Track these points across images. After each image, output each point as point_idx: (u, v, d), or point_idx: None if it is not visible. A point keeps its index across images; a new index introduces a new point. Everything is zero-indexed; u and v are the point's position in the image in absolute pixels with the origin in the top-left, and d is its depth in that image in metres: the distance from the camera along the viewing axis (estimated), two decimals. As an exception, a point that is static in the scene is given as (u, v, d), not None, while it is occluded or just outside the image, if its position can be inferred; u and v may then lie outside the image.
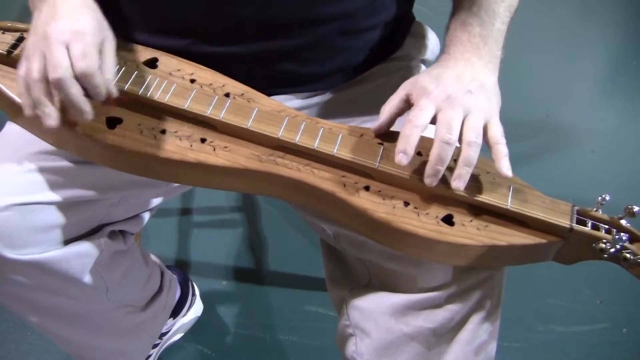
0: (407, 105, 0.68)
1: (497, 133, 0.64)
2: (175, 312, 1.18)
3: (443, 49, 0.73)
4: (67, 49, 0.62)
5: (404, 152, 0.62)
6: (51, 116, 0.62)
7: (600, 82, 2.01)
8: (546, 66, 1.98)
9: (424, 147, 0.68)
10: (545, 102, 1.86)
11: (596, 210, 0.66)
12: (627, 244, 0.63)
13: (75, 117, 0.64)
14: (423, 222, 0.64)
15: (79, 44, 0.62)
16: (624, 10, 2.31)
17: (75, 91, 0.62)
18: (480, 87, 0.66)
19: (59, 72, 0.61)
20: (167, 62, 0.74)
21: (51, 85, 0.62)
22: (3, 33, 0.74)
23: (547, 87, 1.92)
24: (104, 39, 0.66)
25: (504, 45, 0.73)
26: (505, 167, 0.63)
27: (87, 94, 0.64)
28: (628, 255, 0.62)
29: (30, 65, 0.63)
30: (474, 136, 0.63)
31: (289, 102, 0.80)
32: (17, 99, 0.69)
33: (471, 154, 0.62)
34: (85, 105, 0.63)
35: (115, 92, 0.66)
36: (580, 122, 1.79)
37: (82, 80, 0.62)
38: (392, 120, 0.69)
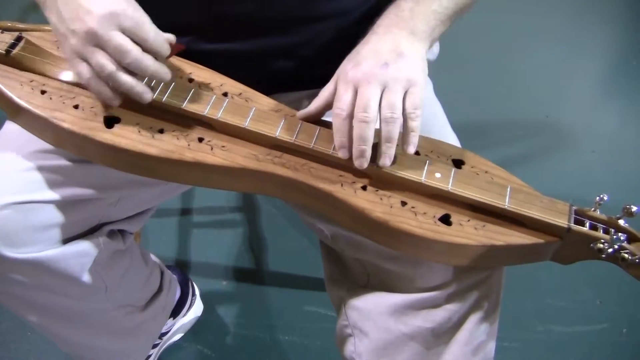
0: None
1: (410, 104, 0.63)
2: (175, 312, 1.18)
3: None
4: (120, 31, 0.62)
5: (342, 146, 0.64)
6: (146, 91, 0.66)
7: (600, 82, 2.01)
8: (546, 66, 1.97)
9: (422, 147, 0.68)
10: (545, 102, 1.85)
11: (594, 210, 0.66)
12: (625, 244, 0.63)
13: (158, 83, 0.68)
14: (420, 221, 0.64)
15: (127, 21, 0.63)
16: (624, 10, 2.31)
17: (151, 62, 0.64)
18: (398, 56, 0.64)
19: (131, 54, 0.62)
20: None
21: (129, 69, 0.63)
22: (2, 32, 0.74)
23: (547, 87, 1.91)
24: (135, 4, 0.66)
25: (438, 30, 0.70)
26: (408, 143, 0.64)
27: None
28: (626, 255, 0.62)
29: (97, 61, 0.63)
30: (389, 112, 0.62)
31: (287, 100, 0.80)
32: (17, 99, 0.69)
33: (390, 129, 0.62)
34: (163, 68, 0.65)
35: (173, 38, 0.67)
36: (580, 122, 1.79)
37: (149, 49, 0.64)
38: (322, 111, 0.69)
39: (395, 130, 0.63)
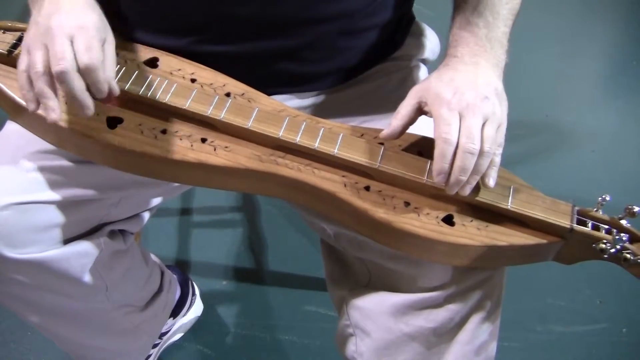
0: (420, 112, 0.67)
1: (499, 140, 0.65)
2: (175, 312, 1.18)
3: (448, 49, 0.73)
4: (71, 42, 0.62)
5: (442, 171, 0.63)
6: (54, 110, 0.62)
7: (600, 82, 2.01)
8: (546, 66, 1.98)
9: (424, 147, 0.68)
10: (545, 102, 1.85)
11: (596, 211, 0.66)
12: (627, 244, 0.63)
13: (77, 112, 0.64)
14: (423, 222, 0.64)
15: (83, 38, 0.62)
16: (624, 10, 2.31)
17: (79, 85, 0.62)
18: (494, 92, 0.66)
19: (63, 64, 0.60)
20: (168, 61, 0.74)
21: (55, 78, 0.61)
22: (3, 33, 0.74)
23: (547, 87, 1.92)
24: (106, 37, 0.66)
25: (508, 50, 0.73)
26: (489, 176, 0.65)
27: (89, 90, 0.63)
28: (628, 255, 0.62)
29: (33, 58, 0.62)
30: (488, 146, 0.63)
31: (289, 101, 0.80)
32: (18, 99, 0.69)
33: (483, 163, 0.63)
34: (88, 100, 0.63)
35: (117, 90, 0.65)
36: (580, 122, 1.79)
37: (85, 74, 0.62)
38: (404, 130, 0.68)
39: (487, 164, 0.64)
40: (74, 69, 0.61)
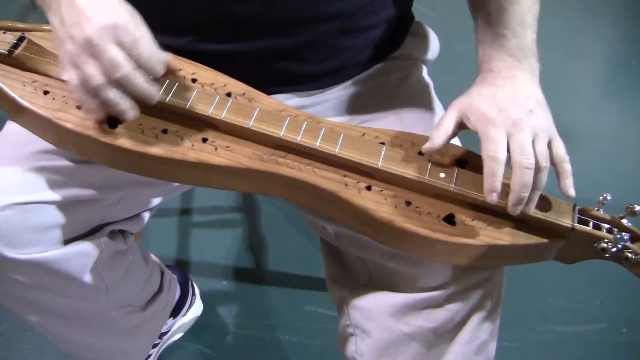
0: (461, 127, 0.68)
1: (561, 151, 0.65)
2: (175, 312, 1.18)
3: (481, 64, 0.73)
4: (116, 43, 0.61)
5: (494, 190, 0.62)
6: (132, 109, 0.63)
7: (600, 82, 2.02)
8: (546, 66, 1.97)
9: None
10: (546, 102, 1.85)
11: (597, 210, 0.66)
12: (628, 244, 0.63)
13: (145, 103, 0.64)
14: (425, 221, 0.64)
15: (124, 35, 0.61)
16: (624, 11, 2.31)
17: (141, 80, 0.62)
18: (537, 104, 0.67)
19: (123, 69, 0.60)
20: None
21: (118, 83, 0.61)
22: (4, 33, 0.74)
23: (546, 87, 1.90)
24: (137, 19, 0.64)
25: (539, 56, 0.73)
26: (569, 186, 0.65)
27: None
28: (629, 254, 0.62)
29: (87, 73, 0.61)
30: (544, 161, 0.63)
31: (290, 101, 0.80)
32: (18, 99, 0.69)
33: (542, 178, 0.63)
34: (153, 89, 0.63)
35: (168, 59, 0.65)
36: (580, 122, 1.79)
37: (143, 67, 0.62)
38: (446, 143, 0.68)
39: (545, 178, 0.63)
40: (133, 69, 0.61)
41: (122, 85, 0.61)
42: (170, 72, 0.69)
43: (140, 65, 0.62)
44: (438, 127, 0.67)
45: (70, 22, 0.62)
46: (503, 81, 0.69)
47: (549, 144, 0.65)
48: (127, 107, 0.63)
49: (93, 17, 0.61)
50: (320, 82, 0.82)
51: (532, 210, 0.64)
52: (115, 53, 0.60)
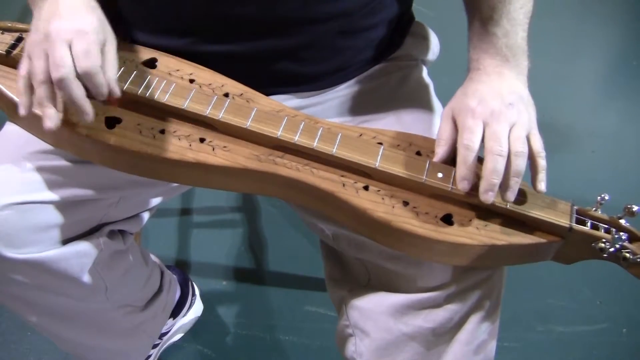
0: (456, 127, 0.68)
1: (538, 145, 0.66)
2: (175, 312, 1.18)
3: (470, 63, 0.73)
4: (70, 47, 0.62)
5: (465, 178, 0.63)
6: (51, 118, 0.62)
7: (600, 82, 2.01)
8: (546, 66, 1.97)
9: (423, 147, 0.68)
10: (545, 102, 1.85)
11: (595, 210, 0.66)
12: (626, 244, 0.63)
13: (77, 118, 0.64)
14: (422, 221, 0.64)
15: (81, 43, 0.62)
16: (624, 11, 2.31)
17: (78, 91, 0.62)
18: (519, 99, 0.67)
19: (62, 71, 0.61)
20: (166, 62, 0.74)
21: (54, 85, 0.62)
22: (2, 33, 0.74)
23: (546, 87, 1.91)
24: (106, 39, 0.66)
25: (529, 53, 0.73)
26: (540, 180, 0.65)
27: (89, 94, 0.63)
28: (627, 254, 0.62)
29: (33, 65, 0.63)
30: (520, 146, 0.63)
31: (288, 101, 0.80)
32: (17, 99, 0.69)
33: (520, 164, 0.63)
34: (87, 106, 0.63)
35: (118, 92, 0.66)
36: (580, 122, 1.79)
37: (84, 79, 0.62)
38: (452, 150, 0.68)
39: (524, 164, 0.64)
40: (73, 76, 0.61)
41: (59, 88, 0.62)
42: (114, 103, 0.68)
43: (83, 76, 0.62)
44: (438, 141, 0.68)
45: (45, 17, 0.64)
46: (488, 77, 0.70)
47: (527, 138, 0.65)
48: (50, 114, 0.62)
49: (62, 17, 0.63)
50: (320, 82, 0.82)
51: (512, 199, 0.64)
52: (63, 53, 0.61)
